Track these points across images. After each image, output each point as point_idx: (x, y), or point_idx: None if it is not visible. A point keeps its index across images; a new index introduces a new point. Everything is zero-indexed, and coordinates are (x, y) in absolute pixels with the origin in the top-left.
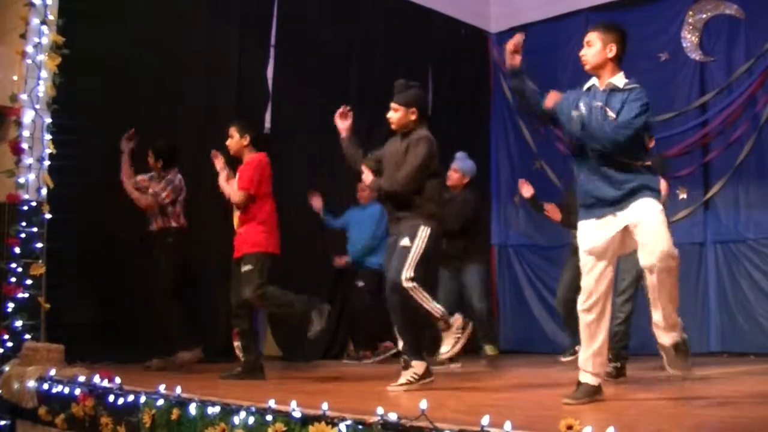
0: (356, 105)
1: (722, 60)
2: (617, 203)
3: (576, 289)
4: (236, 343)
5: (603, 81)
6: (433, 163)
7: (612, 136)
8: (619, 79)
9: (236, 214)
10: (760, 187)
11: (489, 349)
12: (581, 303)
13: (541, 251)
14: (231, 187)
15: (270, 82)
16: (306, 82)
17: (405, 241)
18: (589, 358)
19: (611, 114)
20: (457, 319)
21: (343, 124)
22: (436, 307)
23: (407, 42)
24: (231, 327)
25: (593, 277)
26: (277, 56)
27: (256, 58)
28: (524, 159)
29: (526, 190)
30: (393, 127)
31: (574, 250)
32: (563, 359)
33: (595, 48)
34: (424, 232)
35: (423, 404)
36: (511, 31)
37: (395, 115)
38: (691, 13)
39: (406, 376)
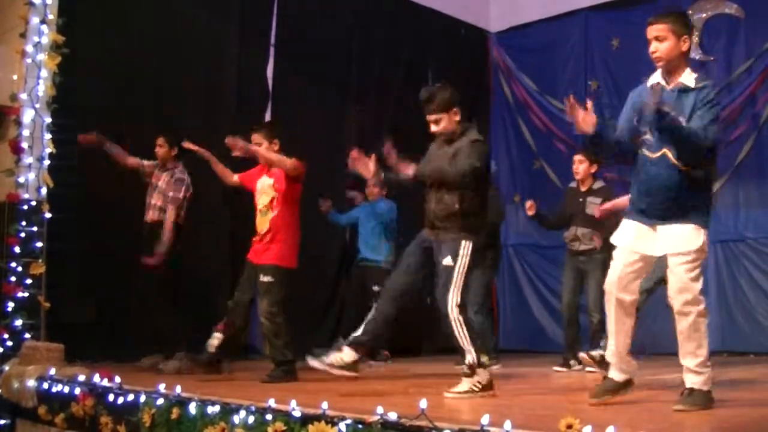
0: (356, 105)
1: (722, 59)
2: (662, 218)
3: (580, 293)
4: (217, 333)
5: (673, 79)
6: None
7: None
8: (689, 76)
9: (266, 216)
10: (759, 186)
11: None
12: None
13: (542, 250)
14: (278, 157)
15: (270, 81)
16: (306, 82)
17: (447, 260)
18: (614, 353)
19: (682, 118)
20: (484, 374)
21: (365, 170)
22: (471, 350)
23: (407, 42)
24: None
25: (621, 266)
26: (277, 56)
27: (256, 57)
28: (524, 159)
29: (530, 208)
30: (442, 137)
31: (572, 253)
32: (556, 368)
33: (669, 42)
34: (466, 249)
35: (423, 404)
36: (511, 31)
37: (440, 125)
38: (690, 12)
39: (469, 384)
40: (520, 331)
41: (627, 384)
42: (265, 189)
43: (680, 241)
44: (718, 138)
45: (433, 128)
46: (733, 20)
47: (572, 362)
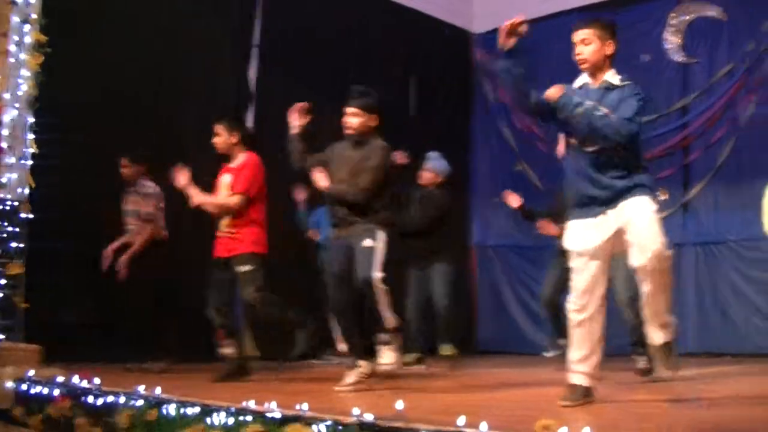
0: (334, 105)
1: (705, 62)
2: (609, 202)
3: (562, 289)
4: (225, 342)
5: (597, 79)
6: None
7: (617, 128)
8: (613, 76)
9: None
10: (739, 188)
11: (446, 349)
12: (573, 303)
13: (522, 251)
14: (221, 196)
15: (253, 82)
16: (288, 82)
17: (367, 242)
18: (583, 359)
19: (604, 110)
20: (401, 335)
21: (298, 121)
22: (393, 317)
23: (389, 42)
24: (216, 328)
25: (587, 276)
26: (262, 58)
27: (238, 60)
28: (505, 160)
29: (514, 201)
30: (351, 132)
31: (561, 251)
32: (547, 354)
33: (594, 46)
34: (382, 236)
35: (399, 405)
36: (494, 32)
37: (356, 120)
38: (674, 15)
39: (355, 375)
40: (498, 333)
41: (591, 392)
42: (224, 185)
43: (638, 204)
44: (636, 130)
45: (349, 123)
46: (716, 23)
47: (561, 341)
